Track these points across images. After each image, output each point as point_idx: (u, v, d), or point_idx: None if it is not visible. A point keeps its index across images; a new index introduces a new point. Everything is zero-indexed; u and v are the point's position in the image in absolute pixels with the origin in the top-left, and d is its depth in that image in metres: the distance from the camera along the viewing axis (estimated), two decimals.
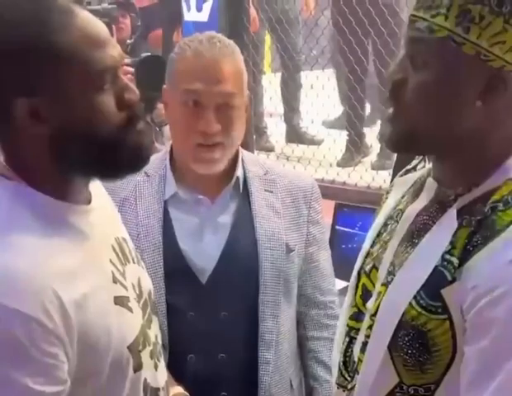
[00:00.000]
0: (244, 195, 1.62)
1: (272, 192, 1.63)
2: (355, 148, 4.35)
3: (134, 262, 1.20)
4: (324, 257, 1.71)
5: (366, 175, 4.09)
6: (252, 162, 1.66)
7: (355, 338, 1.20)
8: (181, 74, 1.54)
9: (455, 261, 1.04)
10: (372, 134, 4.41)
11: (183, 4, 4.11)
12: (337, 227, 3.04)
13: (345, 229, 2.98)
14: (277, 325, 1.59)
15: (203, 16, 3.99)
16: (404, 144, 1.11)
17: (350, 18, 3.95)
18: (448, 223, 1.07)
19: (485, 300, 0.99)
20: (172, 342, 1.54)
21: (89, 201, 1.13)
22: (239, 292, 1.58)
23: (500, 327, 0.98)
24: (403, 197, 1.22)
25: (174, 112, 1.56)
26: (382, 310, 1.12)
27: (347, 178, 4.04)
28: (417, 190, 1.19)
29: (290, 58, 4.68)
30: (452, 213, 1.07)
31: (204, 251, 1.58)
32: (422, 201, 1.15)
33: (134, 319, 1.13)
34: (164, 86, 1.60)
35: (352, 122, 4.32)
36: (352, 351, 1.21)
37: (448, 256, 1.05)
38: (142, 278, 1.21)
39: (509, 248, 0.99)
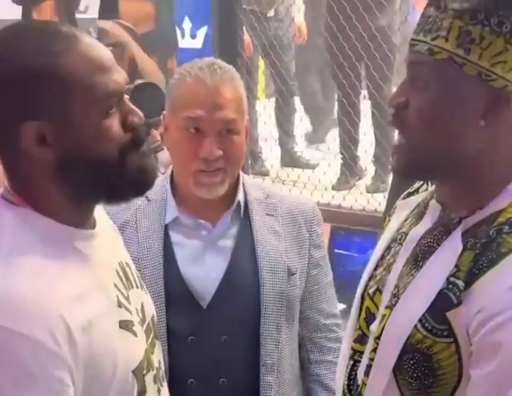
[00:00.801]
0: (246, 219, 1.62)
1: (273, 216, 1.63)
2: (350, 171, 4.37)
3: (137, 287, 1.21)
4: (326, 280, 1.71)
5: (361, 198, 4.11)
6: (253, 187, 1.66)
7: (359, 361, 1.20)
8: (182, 101, 1.55)
9: (460, 283, 1.03)
10: (366, 158, 4.44)
11: (178, 31, 4.16)
12: (333, 249, 3.05)
13: (341, 252, 3.00)
14: (279, 349, 1.59)
15: (197, 43, 4.03)
16: (412, 171, 1.12)
17: (343, 43, 3.99)
18: (452, 246, 1.07)
19: (492, 324, 0.99)
20: (172, 367, 1.54)
21: (94, 226, 1.13)
22: (240, 316, 1.58)
23: (507, 352, 0.98)
24: (406, 220, 1.21)
25: (175, 138, 1.57)
26: (387, 333, 1.11)
27: (342, 201, 4.07)
28: (420, 212, 1.18)
29: (283, 83, 4.71)
30: (456, 235, 1.07)
31: (205, 275, 1.58)
32: (426, 224, 1.15)
33: (138, 343, 1.13)
34: (164, 111, 1.61)
35: (346, 146, 4.34)
36: (356, 374, 1.20)
37: (453, 279, 1.04)
38: (145, 303, 1.22)
39: None
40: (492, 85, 1.03)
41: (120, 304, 1.11)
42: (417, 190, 1.26)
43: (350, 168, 4.37)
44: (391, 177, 3.25)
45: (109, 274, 1.13)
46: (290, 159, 4.89)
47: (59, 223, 1.07)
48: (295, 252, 1.63)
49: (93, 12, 5.29)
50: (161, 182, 1.64)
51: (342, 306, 2.77)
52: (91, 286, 1.06)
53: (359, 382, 1.18)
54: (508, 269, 1.00)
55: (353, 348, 1.22)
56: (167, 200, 1.61)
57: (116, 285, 1.12)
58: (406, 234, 1.18)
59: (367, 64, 4.14)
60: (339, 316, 1.74)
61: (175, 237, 1.60)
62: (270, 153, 4.91)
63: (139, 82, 2.20)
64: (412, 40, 1.08)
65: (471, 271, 1.03)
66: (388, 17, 4.10)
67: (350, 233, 3.09)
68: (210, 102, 1.51)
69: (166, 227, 1.60)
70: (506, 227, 1.04)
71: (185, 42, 4.11)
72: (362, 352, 1.19)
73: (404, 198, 1.28)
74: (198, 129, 1.53)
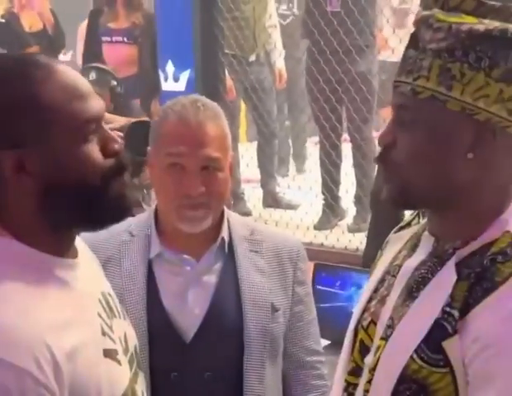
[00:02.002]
0: (230, 255, 1.62)
1: (257, 253, 1.63)
2: (331, 211, 4.43)
3: (119, 317, 1.21)
4: (310, 317, 1.70)
5: (343, 237, 4.16)
6: (238, 223, 1.66)
7: (353, 394, 1.19)
8: (165, 138, 1.56)
9: (456, 313, 1.04)
10: (348, 198, 4.50)
11: (161, 74, 4.22)
12: (316, 286, 3.08)
13: (324, 289, 3.03)
14: (263, 385, 1.58)
15: (180, 86, 4.09)
16: (402, 201, 1.13)
17: (324, 86, 4.08)
18: (446, 277, 1.08)
19: (487, 354, 1.00)
20: None
21: (76, 256, 1.14)
22: (223, 352, 1.57)
23: (503, 382, 0.99)
24: (400, 252, 1.22)
25: (158, 175, 1.57)
26: (382, 364, 1.11)
27: (324, 240, 4.11)
28: (413, 245, 1.19)
29: (265, 125, 4.79)
30: (450, 266, 1.08)
31: (188, 310, 1.57)
32: (419, 256, 1.15)
33: (123, 372, 1.14)
34: (149, 148, 1.62)
35: (327, 186, 4.40)
36: None
37: (448, 309, 1.05)
38: (128, 333, 1.22)
39: (509, 300, 1.00)
40: (477, 119, 1.05)
41: (104, 333, 1.11)
42: (409, 224, 1.27)
43: (332, 208, 4.42)
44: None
45: (92, 303, 1.13)
46: (272, 200, 4.94)
47: (41, 251, 1.07)
48: (279, 289, 1.63)
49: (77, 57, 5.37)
50: (145, 218, 1.65)
51: (325, 342, 2.79)
52: (74, 315, 1.06)
53: None
54: (502, 298, 1.01)
55: (347, 381, 1.21)
56: (151, 235, 1.61)
57: (99, 314, 1.12)
58: (400, 266, 1.18)
59: (348, 107, 4.23)
60: (323, 353, 1.74)
61: (159, 272, 1.59)
62: (252, 193, 4.97)
63: (134, 120, 2.23)
64: (395, 81, 1.11)
65: (466, 300, 1.04)
66: (368, 61, 4.20)
67: (333, 271, 3.12)
68: (193, 139, 1.52)
69: (150, 262, 1.60)
70: (500, 256, 1.04)
71: (168, 85, 4.17)
72: (356, 385, 1.19)
73: (396, 232, 1.28)
74: (181, 166, 1.53)
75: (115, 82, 4.17)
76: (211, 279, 1.60)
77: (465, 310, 1.03)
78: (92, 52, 4.96)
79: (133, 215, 2.27)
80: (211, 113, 1.56)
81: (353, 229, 4.27)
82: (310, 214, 4.50)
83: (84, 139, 1.07)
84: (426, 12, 1.08)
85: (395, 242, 1.24)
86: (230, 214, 1.67)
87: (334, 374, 1.28)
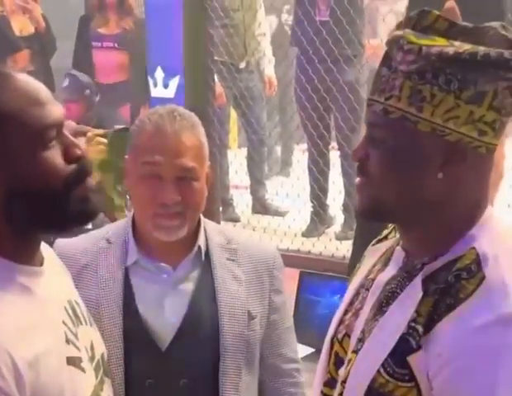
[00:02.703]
0: (206, 263, 1.63)
1: (234, 261, 1.65)
2: (319, 219, 4.45)
3: (86, 324, 1.22)
4: (286, 325, 1.71)
5: (330, 245, 4.18)
6: (214, 232, 1.68)
7: None
8: (141, 147, 1.57)
9: (420, 329, 1.06)
10: (335, 206, 4.52)
11: (150, 81, 4.23)
12: (301, 294, 3.10)
13: (309, 296, 3.05)
14: (238, 393, 1.59)
15: (169, 93, 4.10)
16: (371, 213, 1.15)
17: (312, 95, 4.10)
18: (413, 292, 1.09)
19: (450, 368, 1.02)
20: None
21: (41, 263, 1.15)
22: (199, 359, 1.58)
23: (464, 394, 1.01)
24: (374, 266, 1.24)
25: (135, 183, 1.58)
26: (351, 377, 1.13)
27: (311, 248, 4.12)
28: (387, 259, 1.21)
29: (254, 132, 4.80)
30: (417, 282, 1.10)
31: (164, 318, 1.58)
32: (391, 270, 1.17)
33: (87, 380, 1.15)
34: (126, 157, 1.63)
35: (315, 194, 4.42)
36: None
37: (413, 324, 1.07)
38: (94, 340, 1.23)
39: (472, 317, 1.02)
40: (447, 139, 1.06)
41: (68, 341, 1.12)
42: (386, 237, 1.28)
43: (319, 216, 4.44)
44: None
45: (57, 311, 1.14)
46: (260, 206, 4.96)
47: (3, 258, 1.08)
48: (255, 297, 1.64)
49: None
50: (123, 225, 1.66)
51: (310, 350, 2.80)
52: (37, 322, 1.08)
53: None
54: (465, 314, 1.03)
55: (322, 392, 1.23)
56: (128, 243, 1.62)
57: (64, 322, 1.14)
58: (374, 280, 1.20)
59: (336, 116, 4.25)
60: (299, 361, 1.75)
61: (135, 280, 1.60)
62: (241, 200, 4.98)
63: (117, 127, 2.25)
64: (369, 99, 1.12)
65: (431, 316, 1.05)
66: (356, 71, 4.22)
67: (319, 279, 3.13)
68: (169, 149, 1.53)
69: (127, 269, 1.61)
70: (464, 273, 1.06)
71: (157, 91, 4.17)
72: None
73: (373, 245, 1.30)
74: (157, 175, 1.54)
75: (88, 91, 4.18)
76: (188, 287, 1.61)
77: (429, 325, 1.05)
78: (82, 57, 4.96)
79: (115, 219, 2.29)
80: (188, 123, 1.57)
81: (340, 237, 4.29)
82: (298, 221, 4.51)
83: (44, 145, 1.08)
84: (398, 33, 1.09)
85: (372, 255, 1.26)
86: (207, 223, 1.68)
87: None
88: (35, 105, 1.08)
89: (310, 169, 4.45)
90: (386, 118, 1.09)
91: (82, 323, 1.20)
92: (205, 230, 1.66)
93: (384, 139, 1.09)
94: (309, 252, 4.09)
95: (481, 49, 1.05)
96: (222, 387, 1.58)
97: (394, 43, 1.09)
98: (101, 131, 2.22)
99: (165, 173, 1.54)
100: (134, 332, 1.57)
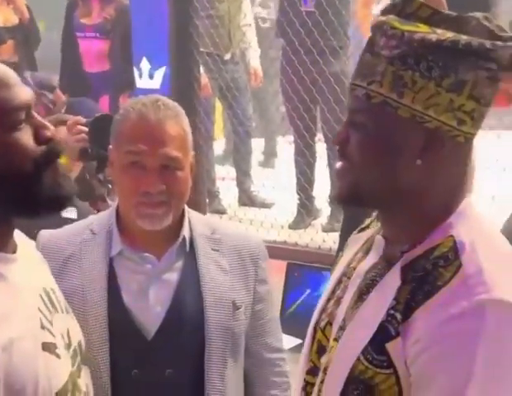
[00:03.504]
0: (191, 253, 1.63)
1: (218, 251, 1.64)
2: (306, 210, 4.44)
3: (62, 312, 1.22)
4: (271, 315, 1.72)
5: (316, 237, 4.18)
6: (199, 222, 1.67)
7: (311, 393, 1.22)
8: (125, 136, 1.56)
9: (398, 316, 1.07)
10: (322, 198, 4.52)
11: (135, 72, 4.21)
12: (288, 285, 3.10)
13: (297, 288, 3.05)
14: (224, 383, 1.59)
15: (155, 84, 4.09)
16: (350, 198, 1.15)
17: (298, 86, 4.09)
18: (391, 280, 1.10)
19: (427, 355, 1.02)
20: None
21: (14, 251, 1.15)
22: (184, 349, 1.58)
23: (443, 382, 1.01)
24: (356, 255, 1.25)
25: (118, 172, 1.58)
26: (333, 365, 1.14)
27: (298, 239, 4.13)
28: (368, 247, 1.22)
29: (240, 124, 4.79)
30: (396, 270, 1.11)
31: (149, 308, 1.58)
32: (372, 258, 1.18)
33: (62, 366, 1.15)
34: (110, 146, 1.62)
35: (302, 186, 4.41)
36: None
37: (392, 312, 1.08)
38: (71, 328, 1.23)
39: (449, 304, 1.03)
40: (427, 127, 1.07)
41: (43, 327, 1.13)
42: (368, 226, 1.29)
43: (306, 208, 4.44)
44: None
45: (32, 297, 1.14)
46: (247, 198, 4.95)
47: None
48: (240, 287, 1.64)
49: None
50: (107, 216, 1.66)
51: (298, 341, 2.81)
52: (11, 307, 1.08)
53: None
54: (442, 302, 1.04)
55: (305, 380, 1.24)
56: (112, 233, 1.62)
57: (39, 309, 1.14)
58: (355, 269, 1.21)
59: (322, 107, 4.25)
60: (284, 350, 1.75)
61: (120, 270, 1.60)
62: (228, 192, 4.97)
63: (98, 114, 2.23)
64: (351, 84, 1.13)
65: (409, 303, 1.06)
66: (341, 62, 4.22)
67: (305, 270, 3.14)
68: (152, 138, 1.53)
69: (111, 260, 1.60)
70: (442, 260, 1.07)
71: (143, 82, 4.16)
72: (313, 384, 1.22)
73: (356, 234, 1.31)
74: (141, 164, 1.54)
75: (47, 93, 4.16)
76: (172, 277, 1.61)
77: (407, 313, 1.06)
78: (69, 48, 4.94)
79: (99, 210, 2.28)
80: (172, 112, 1.56)
81: (327, 229, 4.29)
82: (285, 213, 4.51)
83: (13, 126, 1.09)
84: (382, 18, 1.10)
85: (354, 244, 1.27)
86: (191, 213, 1.68)
87: None
88: (2, 87, 1.08)
89: (296, 161, 4.45)
90: (367, 103, 1.09)
91: (58, 311, 1.20)
92: (189, 220, 1.65)
93: (365, 123, 1.10)
94: (295, 244, 4.10)
95: (463, 38, 1.05)
96: (207, 377, 1.58)
97: (378, 28, 1.10)
98: (81, 119, 2.20)
99: (149, 162, 1.53)
100: (119, 323, 1.57)
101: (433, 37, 1.05)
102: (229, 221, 4.47)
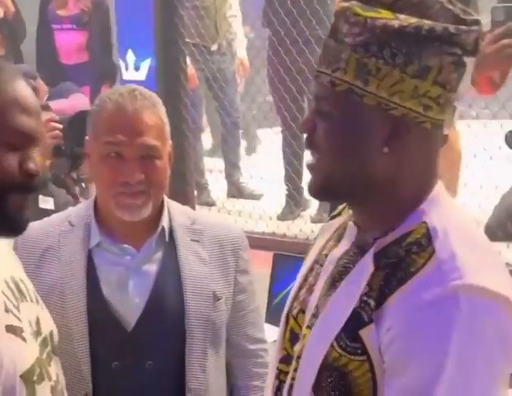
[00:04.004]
0: (171, 244, 1.63)
1: (198, 242, 1.64)
2: (294, 201, 4.43)
3: (32, 301, 1.23)
4: (253, 306, 1.72)
5: (305, 227, 4.17)
6: (178, 212, 1.67)
7: (284, 382, 1.21)
8: (102, 126, 1.56)
9: (372, 302, 1.06)
10: None
11: (121, 64, 4.19)
12: (275, 276, 3.09)
13: (283, 279, 3.04)
14: (205, 374, 1.59)
15: (141, 75, 4.07)
16: (323, 192, 1.15)
17: (285, 76, 4.07)
18: (364, 267, 1.10)
19: (400, 342, 1.02)
20: (96, 393, 1.54)
21: None
22: (165, 340, 1.58)
23: (415, 369, 1.00)
24: (328, 242, 1.24)
25: (96, 163, 1.58)
26: (306, 353, 1.14)
27: (287, 231, 4.11)
28: (340, 234, 1.21)
29: (228, 115, 4.77)
30: (368, 256, 1.10)
31: (129, 299, 1.58)
32: (344, 245, 1.18)
33: (28, 350, 1.15)
34: (87, 137, 1.62)
35: (290, 177, 4.40)
36: (281, 394, 1.21)
37: (365, 298, 1.07)
38: (42, 318, 1.23)
39: (422, 290, 1.02)
40: (392, 114, 1.06)
41: (7, 310, 1.13)
42: (339, 213, 1.28)
43: (294, 199, 4.43)
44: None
45: None
46: (236, 190, 4.94)
47: None
48: (220, 278, 1.64)
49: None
50: (85, 208, 1.65)
51: None
52: None
53: None
54: (415, 288, 1.03)
55: (278, 369, 1.23)
56: (90, 225, 1.61)
57: (3, 292, 1.15)
58: (327, 256, 1.20)
59: (309, 97, 4.23)
60: (266, 341, 1.75)
61: (99, 262, 1.59)
62: (216, 184, 4.96)
63: (74, 113, 2.22)
64: (316, 71, 1.12)
65: (382, 290, 1.06)
66: None
67: (292, 261, 3.13)
68: (130, 128, 1.53)
69: (90, 252, 1.60)
70: (415, 247, 1.06)
71: (129, 74, 4.14)
72: (287, 373, 1.21)
73: (328, 221, 1.30)
74: (119, 154, 1.54)
75: None
76: (152, 268, 1.60)
77: (381, 299, 1.05)
78: (44, 39, 4.92)
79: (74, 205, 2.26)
80: (149, 102, 1.56)
81: (315, 220, 4.28)
82: (273, 204, 4.50)
83: (10, 147, 1.11)
84: (345, 4, 1.08)
85: (326, 231, 1.26)
86: (170, 203, 1.67)
87: None
88: (23, 111, 1.13)
89: (284, 151, 4.43)
90: (332, 90, 1.08)
91: (26, 300, 1.20)
92: (168, 210, 1.65)
93: (330, 111, 1.09)
94: (284, 235, 4.09)
95: (427, 24, 1.04)
96: (189, 368, 1.58)
97: (340, 14, 1.08)
98: (55, 117, 2.19)
99: (127, 152, 1.53)
100: (98, 315, 1.56)
101: (396, 23, 1.04)
102: (218, 213, 4.45)
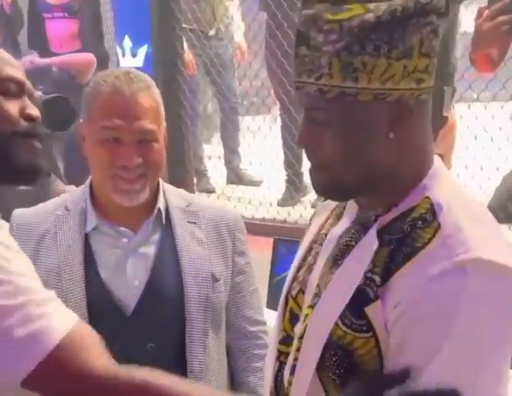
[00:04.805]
0: (167, 226, 1.62)
1: (195, 224, 1.64)
2: (294, 187, 4.41)
3: None
4: (251, 288, 1.72)
5: (305, 213, 4.15)
6: (174, 194, 1.67)
7: (285, 363, 1.20)
8: (99, 110, 1.55)
9: (377, 279, 1.06)
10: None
11: (118, 50, 4.15)
12: (275, 261, 3.08)
13: (284, 264, 3.03)
14: (206, 355, 1.59)
15: (138, 62, 4.04)
16: (333, 193, 1.14)
17: (282, 60, 4.04)
18: (368, 243, 1.09)
19: (408, 317, 1.01)
20: None
21: None
22: (165, 323, 1.58)
23: (423, 344, 1.00)
24: (326, 221, 1.23)
25: (93, 147, 1.56)
26: (309, 332, 1.13)
27: (287, 216, 4.09)
28: (339, 213, 1.21)
29: (226, 100, 4.74)
30: (372, 233, 1.09)
31: (127, 283, 1.57)
32: (344, 224, 1.17)
33: None
34: (81, 120, 1.61)
35: (289, 162, 4.38)
36: (282, 375, 1.21)
37: (370, 275, 1.07)
38: None
39: (429, 265, 1.02)
40: (389, 100, 1.05)
41: None
42: None
43: (294, 184, 4.40)
44: None
45: None
46: (235, 176, 4.91)
47: None
48: (219, 259, 1.64)
49: None
50: (80, 192, 1.65)
51: None
52: None
53: (285, 383, 1.19)
54: (422, 263, 1.02)
55: (278, 350, 1.23)
56: (87, 209, 1.61)
57: None
58: (326, 235, 1.19)
59: None
60: (266, 323, 1.75)
61: (96, 245, 1.59)
62: (215, 170, 4.94)
63: (50, 96, 2.20)
64: (297, 82, 1.08)
65: (387, 266, 1.05)
66: None
67: (292, 246, 3.11)
68: (128, 112, 1.52)
69: (86, 236, 1.59)
70: (420, 222, 1.06)
71: (126, 61, 4.11)
72: (287, 354, 1.20)
73: (324, 200, 1.29)
74: (117, 139, 1.53)
75: None
76: (149, 250, 1.60)
77: (386, 276, 1.05)
78: (36, 29, 4.88)
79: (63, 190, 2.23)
80: (144, 84, 1.56)
81: (316, 205, 4.23)
82: (273, 190, 4.48)
83: (4, 92, 1.15)
84: (310, 12, 1.04)
85: (322, 210, 1.25)
86: (165, 186, 1.67)
87: None
88: (6, 63, 1.18)
89: (283, 136, 4.40)
90: (323, 98, 1.05)
91: None
92: (163, 192, 1.64)
93: (328, 119, 1.07)
94: (284, 221, 4.07)
95: (398, 3, 1.02)
96: (189, 350, 1.58)
97: (309, 23, 1.04)
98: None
99: (125, 137, 1.52)
100: (97, 298, 1.56)
101: (371, 17, 1.02)
102: (217, 200, 4.43)
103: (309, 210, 4.22)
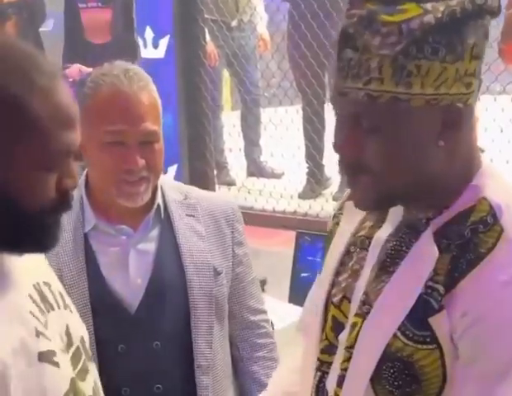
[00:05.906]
0: (166, 220, 1.60)
1: (193, 216, 1.62)
2: (315, 179, 4.38)
3: (59, 308, 1.13)
4: (251, 277, 1.70)
5: (327, 205, 4.12)
6: (170, 188, 1.65)
7: (327, 372, 1.15)
8: (100, 113, 1.50)
9: (440, 288, 1.01)
10: (332, 166, 4.44)
11: (140, 41, 4.13)
12: (298, 255, 3.06)
13: (307, 257, 3.01)
14: (212, 349, 1.57)
15: (160, 53, 4.00)
16: (382, 205, 1.09)
17: (306, 51, 4.00)
18: (426, 249, 1.04)
19: (478, 327, 0.98)
20: (104, 377, 1.50)
21: None
22: (169, 320, 1.55)
23: (496, 355, 0.97)
24: (363, 223, 1.17)
25: (95, 151, 1.51)
26: (362, 342, 1.08)
27: (308, 209, 4.06)
28: (381, 214, 1.14)
29: (247, 92, 4.71)
30: (428, 238, 1.04)
31: (130, 281, 1.55)
32: (389, 227, 1.11)
33: (61, 375, 1.06)
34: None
35: (311, 154, 4.34)
36: (324, 385, 1.16)
37: (431, 284, 1.02)
38: (71, 324, 1.14)
39: (497, 271, 0.98)
40: (441, 106, 1.00)
41: (38, 334, 1.03)
42: None
43: (315, 177, 4.37)
44: None
45: (22, 301, 1.05)
46: (255, 169, 4.88)
47: None
48: (219, 252, 1.62)
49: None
50: (76, 194, 1.59)
51: None
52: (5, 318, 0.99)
53: (331, 393, 1.14)
54: (489, 270, 0.98)
55: (319, 359, 1.17)
56: (84, 210, 1.58)
57: (31, 313, 1.04)
58: (368, 238, 1.14)
59: (330, 73, 4.15)
60: (266, 312, 1.75)
61: (96, 245, 1.57)
62: (235, 162, 4.91)
63: None
64: (342, 88, 1.02)
65: (451, 274, 1.01)
66: None
67: (315, 239, 3.08)
68: (131, 114, 1.48)
69: (86, 236, 1.57)
70: (481, 226, 1.01)
71: (147, 52, 4.07)
72: (330, 363, 1.15)
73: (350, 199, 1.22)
74: (120, 142, 1.50)
75: None
76: (150, 246, 1.58)
77: (450, 284, 1.00)
78: (72, 18, 4.87)
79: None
80: (143, 82, 1.52)
81: (337, 198, 4.22)
82: (294, 182, 4.45)
83: (50, 168, 1.01)
84: (362, 12, 0.99)
85: (352, 209, 1.16)
86: (161, 179, 1.64)
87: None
88: (64, 126, 1.01)
89: (304, 128, 4.36)
90: (373, 104, 0.99)
91: (53, 308, 1.11)
92: (161, 187, 1.62)
93: (378, 126, 1.01)
94: (306, 214, 4.04)
95: (454, 4, 0.98)
96: (195, 344, 1.55)
97: (363, 25, 0.98)
98: None
99: (129, 140, 1.49)
100: (100, 298, 1.54)
101: (431, 19, 0.97)
102: (238, 193, 4.41)
103: (330, 203, 4.19)
